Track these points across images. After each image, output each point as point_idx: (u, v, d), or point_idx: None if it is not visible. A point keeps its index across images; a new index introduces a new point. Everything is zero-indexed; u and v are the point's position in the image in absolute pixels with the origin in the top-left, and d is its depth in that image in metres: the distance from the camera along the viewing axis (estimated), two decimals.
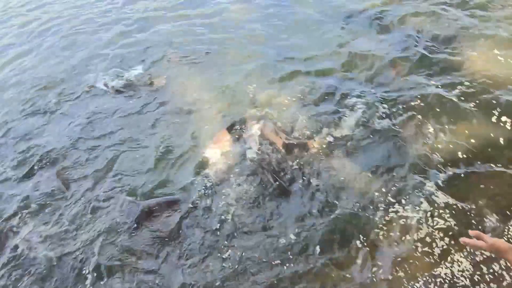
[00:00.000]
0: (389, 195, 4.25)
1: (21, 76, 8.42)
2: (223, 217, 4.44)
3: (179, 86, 6.80)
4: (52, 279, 4.29)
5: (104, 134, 6.15)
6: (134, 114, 6.45)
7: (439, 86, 5.34)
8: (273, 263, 3.93)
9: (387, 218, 4.06)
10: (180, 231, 4.43)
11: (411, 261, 3.70)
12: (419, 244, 3.78)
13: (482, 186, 4.07)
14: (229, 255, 4.08)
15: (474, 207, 3.91)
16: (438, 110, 4.99)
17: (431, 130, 4.77)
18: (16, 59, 9.24)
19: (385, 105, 5.31)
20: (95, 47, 8.79)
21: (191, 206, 4.64)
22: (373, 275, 3.66)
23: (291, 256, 3.95)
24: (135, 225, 4.52)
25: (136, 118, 6.34)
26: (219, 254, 4.12)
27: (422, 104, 5.14)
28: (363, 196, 4.29)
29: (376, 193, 4.29)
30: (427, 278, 3.50)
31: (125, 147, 5.81)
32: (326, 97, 5.78)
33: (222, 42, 7.81)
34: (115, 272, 4.18)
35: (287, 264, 3.90)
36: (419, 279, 3.51)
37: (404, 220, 4.00)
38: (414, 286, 3.48)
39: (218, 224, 4.38)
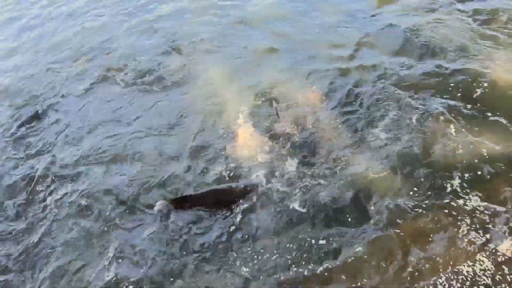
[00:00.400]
0: (414, 193, 4.34)
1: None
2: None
3: (205, 76, 6.92)
4: None
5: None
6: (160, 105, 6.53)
7: (461, 91, 5.46)
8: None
9: (412, 215, 4.14)
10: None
11: (434, 257, 3.77)
12: (442, 242, 3.86)
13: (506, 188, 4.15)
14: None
15: (497, 207, 4.00)
16: (463, 114, 5.11)
17: (456, 134, 4.87)
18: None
19: (408, 107, 5.41)
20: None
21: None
22: (396, 269, 3.72)
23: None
24: None
25: (163, 110, 6.42)
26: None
27: (446, 108, 5.24)
28: (387, 194, 4.38)
29: (401, 191, 4.39)
30: (450, 274, 3.58)
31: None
32: (347, 96, 5.87)
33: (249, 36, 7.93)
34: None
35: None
36: (442, 275, 3.58)
37: (428, 218, 4.08)
38: (437, 282, 3.55)
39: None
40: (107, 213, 4.85)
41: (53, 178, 5.51)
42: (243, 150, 5.22)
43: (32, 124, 6.66)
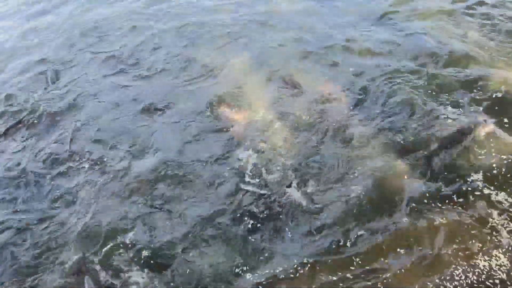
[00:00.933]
0: (435, 186, 4.49)
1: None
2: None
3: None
4: None
5: None
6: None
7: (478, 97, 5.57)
8: None
9: (428, 211, 4.27)
10: None
11: (450, 251, 3.90)
12: (458, 237, 3.99)
13: None
14: None
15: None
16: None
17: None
18: None
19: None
20: None
21: None
22: (413, 262, 3.86)
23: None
24: None
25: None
26: None
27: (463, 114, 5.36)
28: (409, 190, 4.53)
29: (421, 183, 4.54)
30: (466, 268, 3.70)
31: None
32: (364, 92, 6.00)
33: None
34: None
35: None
36: (459, 267, 3.71)
37: (445, 214, 4.20)
38: (453, 273, 3.68)
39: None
40: None
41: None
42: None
43: None
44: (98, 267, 4.32)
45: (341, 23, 7.90)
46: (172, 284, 4.11)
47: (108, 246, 4.50)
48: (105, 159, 5.63)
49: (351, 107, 5.76)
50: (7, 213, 5.19)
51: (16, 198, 5.36)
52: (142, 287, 4.12)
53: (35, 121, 6.59)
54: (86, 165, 5.60)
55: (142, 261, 4.32)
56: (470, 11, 7.51)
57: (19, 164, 5.85)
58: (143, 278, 4.18)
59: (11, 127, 6.52)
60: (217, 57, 7.31)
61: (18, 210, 5.18)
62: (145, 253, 4.37)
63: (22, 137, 6.37)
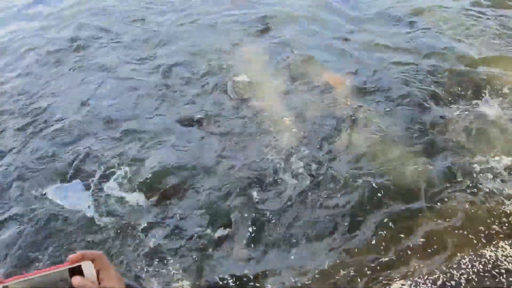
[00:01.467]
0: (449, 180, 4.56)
1: None
2: None
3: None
4: None
5: None
6: None
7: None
8: None
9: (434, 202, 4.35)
10: None
11: (456, 240, 3.98)
12: (466, 228, 4.07)
13: None
14: None
15: None
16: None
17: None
18: None
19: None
20: None
21: None
22: (419, 252, 3.94)
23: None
24: None
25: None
26: None
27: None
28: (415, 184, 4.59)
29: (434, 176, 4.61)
30: (472, 257, 3.78)
31: None
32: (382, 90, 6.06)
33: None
34: None
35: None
36: (466, 256, 3.79)
37: (452, 205, 4.28)
38: (460, 262, 3.76)
39: None
40: None
41: None
42: None
43: None
44: None
45: (353, 17, 8.02)
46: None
47: None
48: None
49: (359, 97, 5.86)
50: None
51: None
52: None
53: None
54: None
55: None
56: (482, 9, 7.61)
57: None
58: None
59: None
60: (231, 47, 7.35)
61: None
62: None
63: None
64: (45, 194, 4.70)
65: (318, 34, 7.59)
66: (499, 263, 3.73)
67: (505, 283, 3.46)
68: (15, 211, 4.54)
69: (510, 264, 3.69)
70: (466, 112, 5.32)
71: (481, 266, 3.70)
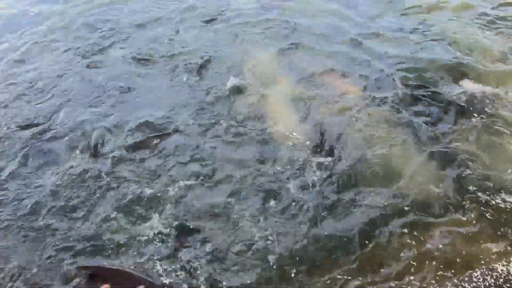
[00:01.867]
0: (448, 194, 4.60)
1: None
2: None
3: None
4: None
5: None
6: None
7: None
8: None
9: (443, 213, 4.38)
10: None
11: (468, 253, 4.01)
12: (479, 240, 4.09)
13: None
14: None
15: None
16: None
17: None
18: None
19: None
20: None
21: None
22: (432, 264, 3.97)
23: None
24: None
25: None
26: None
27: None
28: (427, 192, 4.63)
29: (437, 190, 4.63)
30: (484, 270, 3.81)
31: None
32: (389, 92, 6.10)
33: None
34: None
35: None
36: (478, 270, 3.81)
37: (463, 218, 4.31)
38: (472, 275, 3.78)
39: None
40: None
41: None
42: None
43: None
44: None
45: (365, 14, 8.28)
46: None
47: None
48: None
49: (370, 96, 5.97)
50: None
51: None
52: None
53: None
54: None
55: None
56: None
57: None
58: None
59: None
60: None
61: None
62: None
63: None
64: None
65: (328, 37, 7.61)
66: (510, 277, 3.76)
67: None
68: None
69: None
70: (479, 124, 5.34)
71: (492, 281, 3.73)
